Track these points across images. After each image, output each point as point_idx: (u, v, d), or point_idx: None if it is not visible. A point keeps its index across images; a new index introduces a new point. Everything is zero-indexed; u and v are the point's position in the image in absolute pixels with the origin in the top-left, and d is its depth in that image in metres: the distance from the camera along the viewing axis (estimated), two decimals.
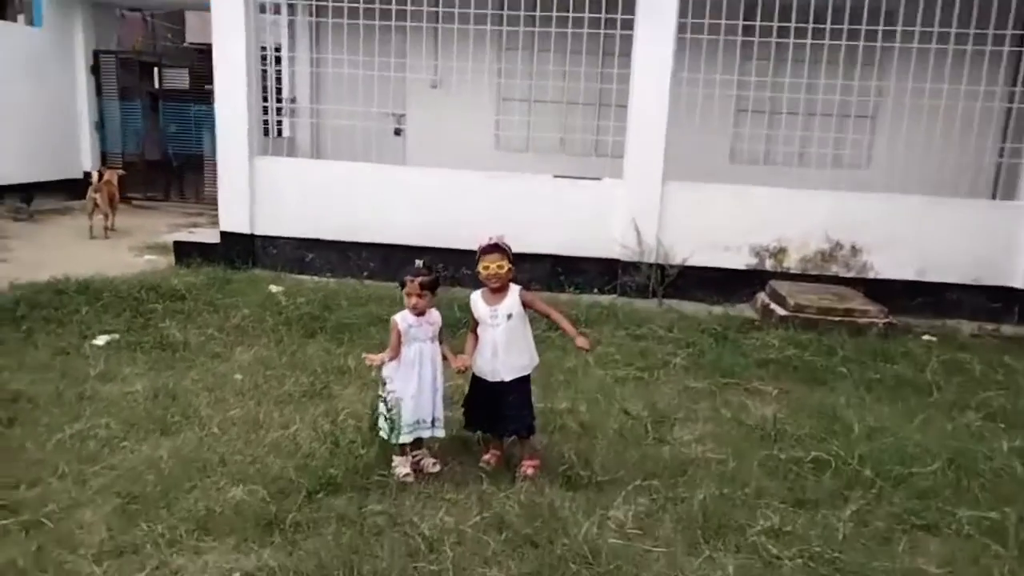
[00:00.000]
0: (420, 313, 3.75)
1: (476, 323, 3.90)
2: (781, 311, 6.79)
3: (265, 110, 8.06)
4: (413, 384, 3.72)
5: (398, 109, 9.22)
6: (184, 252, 7.86)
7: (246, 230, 7.79)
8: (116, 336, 5.61)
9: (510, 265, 3.76)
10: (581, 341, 3.80)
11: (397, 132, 9.76)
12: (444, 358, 3.86)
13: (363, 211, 7.76)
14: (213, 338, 5.70)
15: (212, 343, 5.60)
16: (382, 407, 3.66)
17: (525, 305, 3.84)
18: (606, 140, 7.86)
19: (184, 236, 8.16)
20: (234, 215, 7.78)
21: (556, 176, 7.65)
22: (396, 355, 3.74)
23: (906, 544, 3.29)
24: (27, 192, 11.98)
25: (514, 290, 3.83)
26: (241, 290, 6.92)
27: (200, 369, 5.12)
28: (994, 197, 8.36)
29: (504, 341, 3.80)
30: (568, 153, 9.06)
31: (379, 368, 3.72)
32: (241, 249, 7.82)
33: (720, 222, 7.47)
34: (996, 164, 8.15)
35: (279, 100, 8.85)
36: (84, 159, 13.15)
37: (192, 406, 4.47)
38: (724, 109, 8.15)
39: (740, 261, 7.54)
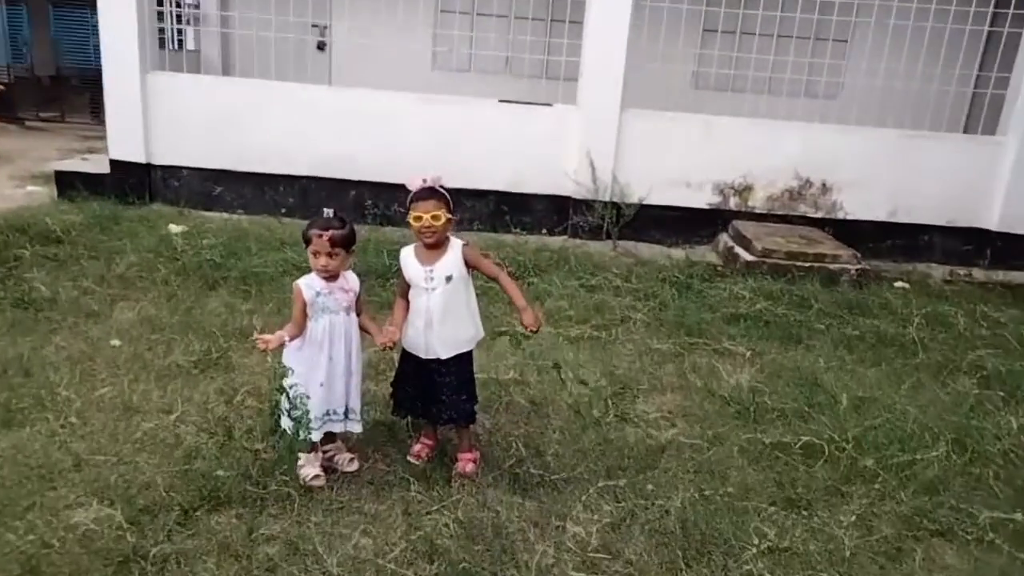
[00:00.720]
0: (331, 277, 2.94)
1: (406, 286, 3.11)
2: (747, 255, 6.18)
3: (161, 16, 6.84)
4: (322, 369, 2.94)
5: (321, 19, 8.06)
6: (67, 184, 6.73)
7: (140, 159, 6.69)
8: None
9: (449, 215, 2.97)
10: (528, 318, 3.06)
11: (320, 47, 8.60)
12: (364, 332, 3.09)
13: (279, 137, 6.73)
14: (89, 292, 4.75)
15: (87, 299, 4.66)
16: (284, 402, 2.85)
17: (468, 265, 3.06)
18: (558, 60, 6.94)
19: (68, 165, 6.99)
20: (125, 141, 6.65)
21: (501, 101, 6.74)
22: (300, 332, 2.94)
23: (921, 557, 2.74)
24: None
25: (455, 246, 3.04)
26: (132, 231, 5.91)
27: (68, 333, 4.20)
28: (966, 131, 7.83)
29: (440, 309, 3.03)
30: (515, 74, 8.12)
31: (277, 351, 2.91)
32: (135, 181, 6.73)
33: (681, 156, 6.74)
34: (971, 94, 7.58)
35: (178, 5, 7.57)
36: None
37: (49, 385, 3.60)
38: (690, 27, 7.31)
39: (702, 199, 6.87)
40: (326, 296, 2.93)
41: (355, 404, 3.06)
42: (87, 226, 5.87)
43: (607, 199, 6.66)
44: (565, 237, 6.87)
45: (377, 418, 3.48)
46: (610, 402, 3.84)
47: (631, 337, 4.72)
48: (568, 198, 6.78)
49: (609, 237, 6.77)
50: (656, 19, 6.69)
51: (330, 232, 2.86)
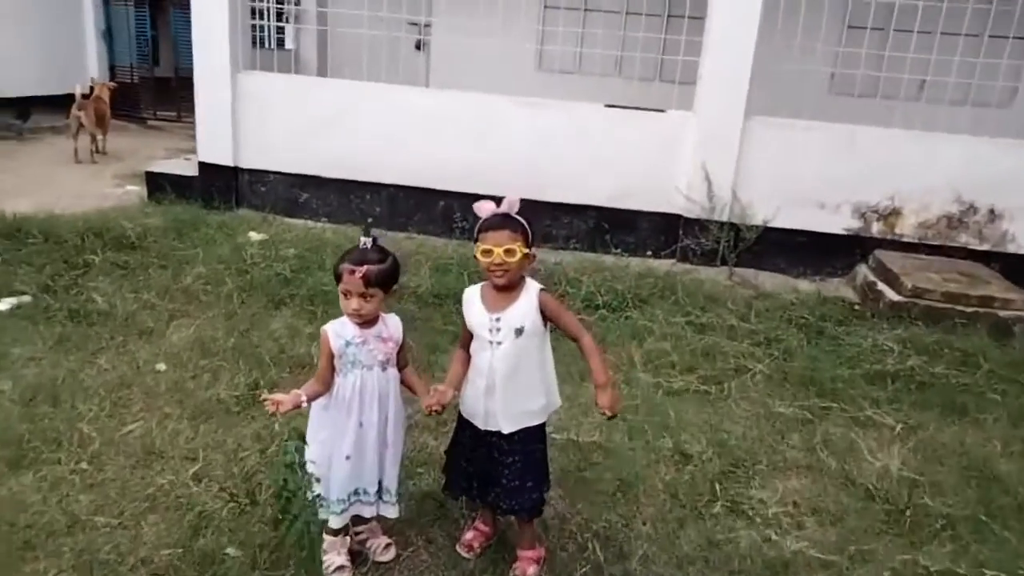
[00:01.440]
0: (366, 323, 2.36)
1: (469, 336, 2.49)
2: (893, 294, 5.18)
3: (257, 13, 6.58)
4: (350, 436, 2.37)
5: (420, 17, 7.61)
6: (157, 186, 6.58)
7: (228, 162, 6.45)
8: (26, 298, 4.38)
9: (526, 250, 2.34)
10: (605, 400, 2.35)
11: (418, 46, 8.18)
12: (408, 390, 2.50)
13: (369, 142, 6.30)
14: (149, 306, 4.42)
15: (145, 314, 4.33)
16: (290, 479, 2.29)
17: (546, 317, 2.40)
18: (674, 60, 6.14)
19: (159, 166, 6.86)
20: (214, 143, 6.42)
21: (608, 105, 6.03)
22: (325, 388, 2.37)
23: None
24: (23, 107, 10.86)
25: (530, 290, 2.41)
26: (209, 237, 5.62)
27: (114, 353, 3.86)
28: None
29: (506, 369, 2.41)
30: (625, 76, 7.36)
31: (294, 413, 2.35)
32: (222, 185, 6.49)
33: (815, 172, 5.79)
34: None
35: (280, 1, 7.31)
36: (90, 71, 11.90)
37: (74, 417, 3.22)
38: (832, 22, 6.31)
39: (838, 223, 5.89)
40: (358, 346, 2.35)
41: (391, 482, 2.46)
42: (165, 231, 5.63)
43: (724, 219, 5.81)
44: (673, 261, 6.07)
45: (428, 487, 2.88)
46: (718, 485, 3.08)
47: (747, 394, 3.91)
48: (678, 217, 5.98)
49: (725, 263, 5.91)
50: (792, 12, 5.78)
51: (365, 268, 2.28)
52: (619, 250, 6.12)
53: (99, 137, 9.11)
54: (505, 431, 2.44)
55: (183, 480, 2.86)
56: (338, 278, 2.33)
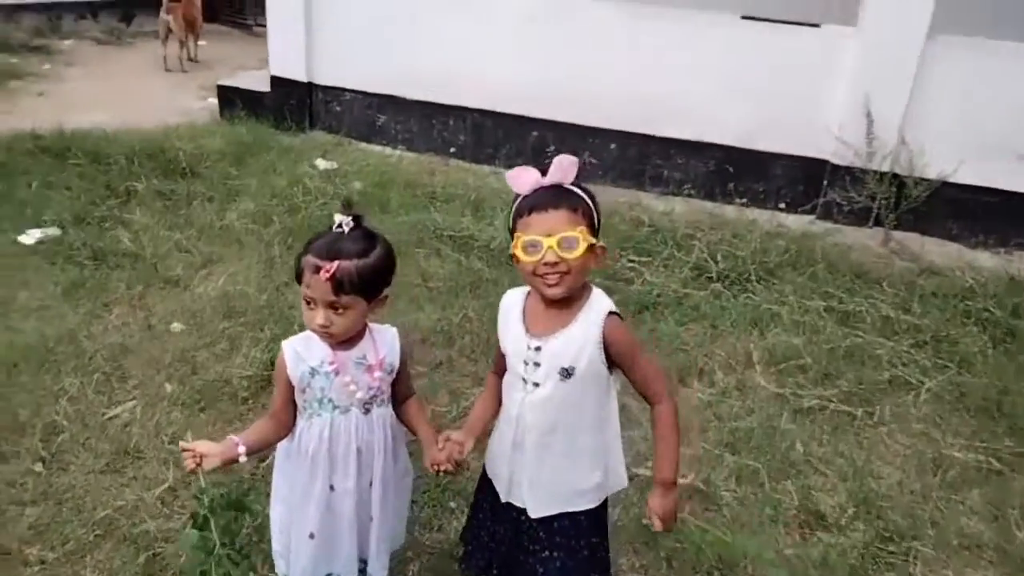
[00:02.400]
0: (344, 341, 1.59)
1: (502, 359, 1.69)
2: None
3: None
4: (314, 507, 1.64)
5: None
6: (228, 101, 6.01)
7: (302, 77, 5.75)
8: (54, 230, 3.90)
9: (593, 239, 1.52)
10: (657, 504, 1.59)
11: None
12: (411, 432, 1.75)
13: (456, 57, 5.41)
14: (183, 248, 3.85)
15: (175, 257, 3.76)
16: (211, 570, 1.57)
17: (611, 356, 1.58)
18: None
19: (233, 79, 6.26)
20: (286, 55, 5.73)
21: (745, 17, 4.82)
22: (280, 435, 1.65)
23: None
24: (128, 9, 10.59)
25: (594, 310, 1.58)
26: (270, 164, 4.99)
27: (127, 307, 3.32)
28: None
29: (540, 424, 1.63)
30: None
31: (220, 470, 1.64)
32: (295, 103, 5.83)
33: (1016, 112, 4.42)
34: None
35: None
36: None
37: (56, 393, 2.69)
38: None
39: None
40: (328, 376, 1.59)
41: (384, 560, 1.73)
42: (224, 155, 5.04)
43: (885, 169, 4.59)
44: (812, 218, 4.92)
45: (450, 543, 2.16)
46: (862, 566, 2.18)
47: (907, 423, 2.90)
48: (824, 163, 4.80)
49: (879, 224, 4.72)
50: None
51: (335, 266, 1.49)
52: (744, 200, 5.03)
53: (190, 44, 8.67)
54: (533, 514, 1.65)
55: (151, 499, 2.26)
56: (298, 276, 1.55)
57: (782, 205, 5.00)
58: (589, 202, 1.53)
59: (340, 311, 1.53)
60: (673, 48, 4.94)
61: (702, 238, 4.25)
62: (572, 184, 1.53)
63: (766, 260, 4.06)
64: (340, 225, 1.54)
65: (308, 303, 1.54)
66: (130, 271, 3.58)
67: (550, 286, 1.51)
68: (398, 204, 4.47)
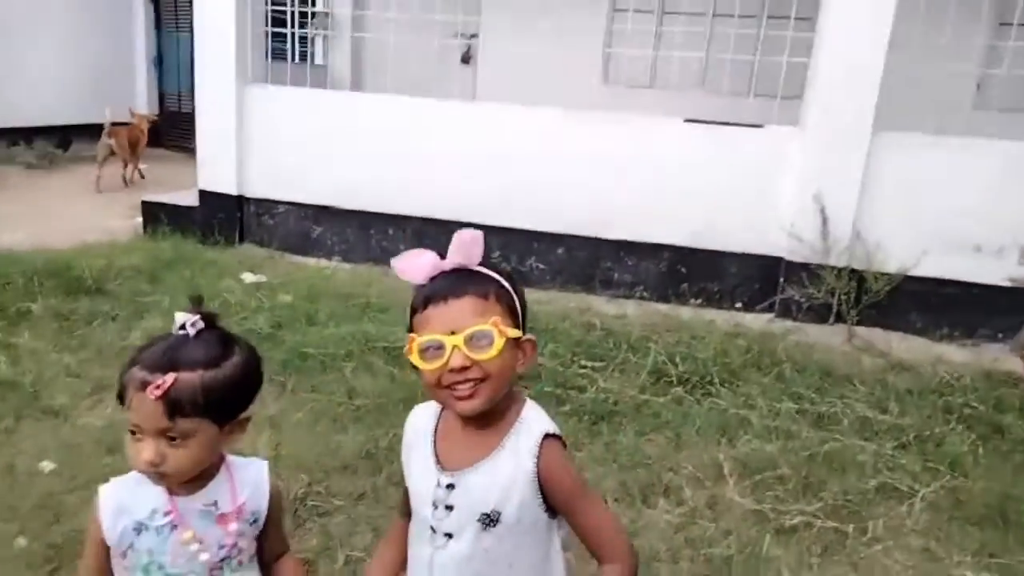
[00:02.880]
0: (187, 483, 1.20)
1: (406, 499, 1.31)
2: None
3: (278, 21, 5.67)
4: None
5: (468, 28, 6.56)
6: (153, 217, 5.68)
7: (232, 190, 5.49)
8: None
9: (517, 332, 1.18)
10: None
11: (465, 60, 7.12)
12: None
13: (396, 167, 5.23)
14: (72, 373, 3.38)
15: (62, 383, 3.28)
16: None
17: (550, 498, 1.20)
18: (774, 69, 4.79)
19: (158, 195, 5.97)
20: (215, 168, 5.49)
21: (688, 120, 4.76)
22: None
23: None
24: (65, 136, 10.40)
25: (529, 430, 1.21)
26: (190, 279, 4.60)
27: None
28: None
29: None
30: (710, 90, 6.09)
31: None
32: (225, 217, 5.54)
33: (968, 204, 4.35)
34: None
35: (304, 5, 6.37)
36: (139, 99, 11.45)
37: None
38: (975, 11, 4.87)
39: (998, 271, 4.40)
40: (158, 532, 1.17)
41: None
42: (139, 272, 4.65)
43: (843, 264, 4.42)
44: (770, 316, 4.70)
45: None
46: None
47: (904, 539, 2.52)
48: (779, 260, 4.62)
49: (840, 320, 4.50)
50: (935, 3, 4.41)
51: (171, 379, 1.10)
52: (700, 300, 4.79)
53: (128, 170, 8.44)
54: None
55: None
56: (120, 397, 1.15)
57: (739, 304, 4.77)
58: (505, 284, 1.20)
59: (177, 441, 1.13)
60: (622, 152, 4.83)
61: (658, 340, 3.96)
62: (481, 265, 1.20)
63: (728, 361, 3.76)
64: (183, 326, 1.17)
65: (133, 432, 1.14)
66: (4, 401, 3.09)
67: (461, 399, 1.15)
68: (327, 316, 4.10)
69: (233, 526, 1.21)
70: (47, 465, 2.68)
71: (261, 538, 1.28)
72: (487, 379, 1.13)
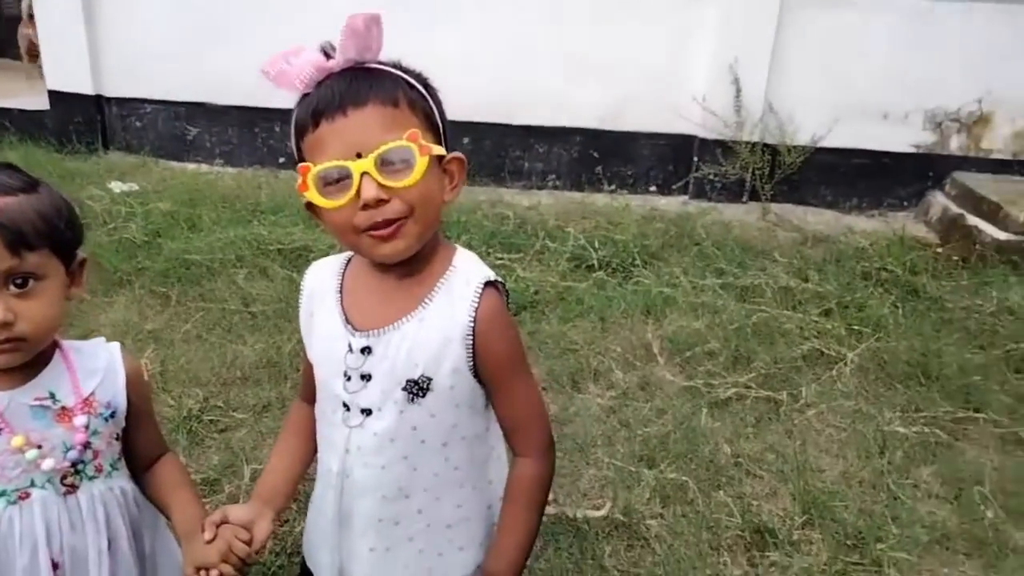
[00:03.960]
0: (31, 352, 0.92)
1: (308, 379, 1.05)
2: (996, 231, 3.75)
3: None
4: None
5: None
6: None
7: (87, 89, 4.80)
8: None
9: (437, 147, 0.90)
10: None
11: None
12: (162, 514, 1.04)
13: (278, 50, 4.67)
14: None
15: None
16: None
17: (482, 365, 0.96)
18: None
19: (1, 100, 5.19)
20: (64, 63, 4.76)
21: None
22: None
23: None
24: None
25: (465, 277, 0.96)
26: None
27: None
28: None
29: (381, 482, 0.98)
30: None
31: None
32: (83, 120, 4.86)
33: (876, 69, 4.28)
34: None
35: None
36: None
37: None
38: None
39: (905, 138, 4.41)
40: None
41: None
42: None
43: (756, 139, 4.31)
44: (685, 198, 4.58)
45: None
46: None
47: (836, 401, 2.49)
48: (692, 138, 4.47)
49: (755, 198, 4.44)
50: None
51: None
52: (613, 186, 4.61)
53: None
54: None
55: None
56: None
57: (653, 188, 4.62)
58: (417, 84, 0.92)
59: (28, 289, 0.88)
60: (522, 28, 4.46)
61: (575, 227, 3.77)
62: (382, 63, 0.92)
63: (648, 244, 3.63)
64: None
65: None
66: None
67: (383, 241, 0.89)
68: (212, 221, 3.68)
69: (81, 419, 0.93)
70: None
71: (127, 438, 1.01)
72: (411, 213, 0.88)
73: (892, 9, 4.23)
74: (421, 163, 0.86)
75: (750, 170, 4.33)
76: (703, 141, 4.43)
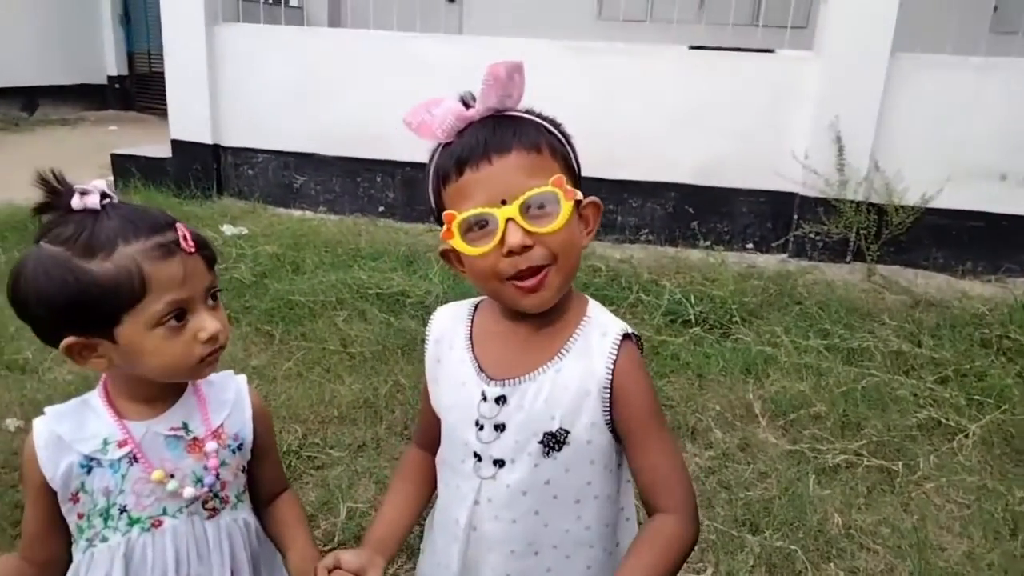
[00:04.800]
0: (158, 395, 0.96)
1: (432, 425, 1.03)
2: None
3: None
4: None
5: None
6: (124, 171, 5.33)
7: (206, 139, 5.14)
8: None
9: (577, 192, 0.89)
10: None
11: None
12: (278, 548, 1.04)
13: (383, 109, 4.87)
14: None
15: (29, 337, 2.99)
16: None
17: (617, 422, 0.93)
18: None
19: (130, 148, 5.61)
20: (187, 116, 5.13)
21: (693, 47, 4.46)
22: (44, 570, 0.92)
23: None
24: (31, 97, 9.92)
25: (601, 328, 0.95)
26: None
27: None
28: None
29: (512, 536, 0.95)
30: (711, 22, 5.75)
31: None
32: (200, 168, 5.19)
33: (992, 129, 4.09)
34: None
35: None
36: (107, 60, 10.94)
37: None
38: None
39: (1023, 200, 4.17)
40: (114, 469, 0.90)
41: None
42: None
43: (860, 198, 4.17)
44: (783, 256, 4.45)
45: None
46: None
47: (956, 475, 2.31)
48: (792, 196, 4.37)
49: (860, 258, 4.27)
50: None
51: (183, 227, 0.94)
52: (708, 242, 4.54)
53: None
54: None
55: None
56: (116, 301, 0.88)
57: (750, 245, 4.52)
58: (554, 130, 0.93)
59: (214, 303, 0.95)
60: (621, 85, 4.52)
61: (670, 282, 3.71)
62: (526, 110, 0.93)
63: (746, 301, 3.52)
64: (104, 195, 0.89)
65: (169, 318, 0.88)
66: None
67: (529, 292, 0.88)
68: (314, 264, 3.82)
69: (212, 444, 0.96)
70: (13, 423, 2.41)
71: (251, 471, 1.03)
72: (556, 260, 0.88)
73: (1008, 66, 4.06)
74: (566, 208, 0.86)
75: (855, 229, 4.18)
76: (804, 199, 4.32)
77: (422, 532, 1.13)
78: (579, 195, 0.89)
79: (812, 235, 4.32)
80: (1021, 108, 4.04)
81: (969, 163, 4.09)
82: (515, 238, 0.84)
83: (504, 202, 0.85)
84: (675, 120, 4.45)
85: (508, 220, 0.84)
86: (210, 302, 0.93)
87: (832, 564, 1.93)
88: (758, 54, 4.34)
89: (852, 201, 4.15)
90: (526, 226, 0.85)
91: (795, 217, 4.36)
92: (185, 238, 0.89)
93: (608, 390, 0.90)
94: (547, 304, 0.89)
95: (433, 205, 0.94)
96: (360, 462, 2.28)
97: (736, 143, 4.39)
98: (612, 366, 0.90)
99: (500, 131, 0.88)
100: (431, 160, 0.93)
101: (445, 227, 0.88)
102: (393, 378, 2.73)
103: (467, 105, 0.91)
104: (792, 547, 1.95)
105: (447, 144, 0.90)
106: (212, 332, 0.90)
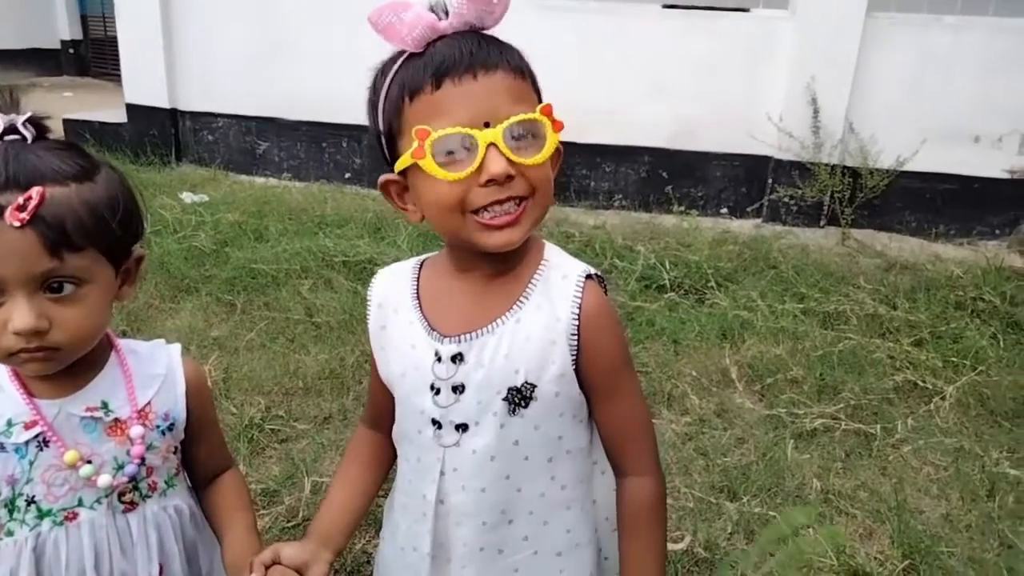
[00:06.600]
0: (66, 373, 0.83)
1: (382, 399, 0.93)
2: None
3: None
4: None
5: None
6: (77, 136, 5.09)
7: (163, 103, 4.94)
8: None
9: (553, 122, 0.78)
10: None
11: None
12: (216, 535, 0.94)
13: (349, 71, 4.70)
14: None
15: None
16: None
17: (585, 369, 0.84)
18: None
19: (83, 112, 5.37)
20: (142, 78, 4.91)
21: (667, 6, 4.35)
22: None
23: None
24: None
25: (561, 271, 0.85)
26: None
27: None
28: None
29: (483, 506, 0.86)
30: None
31: None
32: (158, 133, 4.99)
33: (966, 90, 4.06)
34: None
35: None
36: (59, 23, 10.51)
37: None
38: None
39: (999, 163, 4.16)
40: (20, 454, 0.80)
41: None
42: None
43: (835, 162, 4.12)
44: (758, 221, 4.41)
45: None
46: None
47: (934, 437, 2.29)
48: (767, 159, 4.31)
49: (833, 223, 4.24)
50: None
51: (39, 193, 0.72)
52: (683, 207, 4.47)
53: None
54: None
55: None
56: None
57: (724, 209, 4.47)
58: (528, 66, 0.84)
59: (65, 293, 0.77)
60: (592, 46, 4.40)
61: (644, 247, 3.65)
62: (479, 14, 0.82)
63: (721, 265, 3.47)
64: (11, 128, 0.77)
65: None
66: None
67: (498, 229, 0.79)
68: (278, 232, 3.68)
69: (136, 430, 0.85)
70: None
71: (186, 450, 0.93)
72: (533, 195, 0.79)
73: (984, 27, 4.02)
74: (552, 140, 0.78)
75: (829, 193, 4.14)
76: (778, 162, 4.26)
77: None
78: (556, 133, 0.80)
79: (786, 199, 4.27)
80: (995, 69, 4.00)
81: (943, 125, 4.06)
82: (498, 166, 0.75)
83: (487, 124, 0.75)
84: (649, 82, 4.35)
85: (490, 145, 0.75)
86: (58, 292, 0.76)
87: (811, 529, 1.89)
88: (733, 13, 4.25)
89: (827, 164, 4.10)
90: (508, 154, 0.75)
91: (769, 181, 4.31)
92: (19, 207, 0.71)
93: (576, 335, 0.82)
94: (516, 243, 0.80)
95: (382, 126, 0.82)
96: (326, 434, 2.19)
97: (711, 105, 4.31)
98: (577, 311, 0.82)
99: (486, 46, 0.78)
100: (386, 71, 0.82)
101: (415, 145, 0.76)
102: (360, 348, 2.63)
103: (441, 14, 0.80)
104: (771, 513, 1.91)
105: (415, 54, 0.79)
106: (18, 328, 0.74)
